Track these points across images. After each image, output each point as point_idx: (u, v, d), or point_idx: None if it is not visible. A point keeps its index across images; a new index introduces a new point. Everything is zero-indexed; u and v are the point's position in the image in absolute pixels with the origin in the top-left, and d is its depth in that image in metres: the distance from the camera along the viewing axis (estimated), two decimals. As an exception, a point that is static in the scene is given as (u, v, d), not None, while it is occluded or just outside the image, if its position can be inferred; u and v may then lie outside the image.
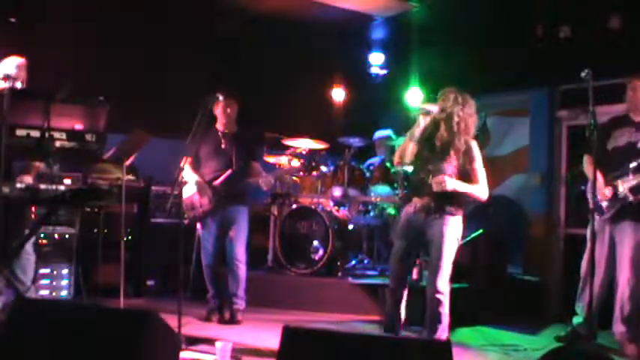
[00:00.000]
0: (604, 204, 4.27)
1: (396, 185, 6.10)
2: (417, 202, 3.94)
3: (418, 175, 3.96)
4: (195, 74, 6.19)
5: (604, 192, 4.21)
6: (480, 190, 3.88)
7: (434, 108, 3.86)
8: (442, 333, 3.87)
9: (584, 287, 4.48)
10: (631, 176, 4.18)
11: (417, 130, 3.86)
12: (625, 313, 4.26)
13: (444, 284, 3.84)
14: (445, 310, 3.87)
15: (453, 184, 3.78)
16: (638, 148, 4.27)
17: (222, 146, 4.93)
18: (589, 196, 4.40)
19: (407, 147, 3.90)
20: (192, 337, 4.17)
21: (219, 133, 4.97)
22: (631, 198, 4.16)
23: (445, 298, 3.86)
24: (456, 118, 3.84)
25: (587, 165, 4.47)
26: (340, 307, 5.48)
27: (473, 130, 3.92)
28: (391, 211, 6.07)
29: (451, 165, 3.87)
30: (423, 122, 3.85)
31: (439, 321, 3.86)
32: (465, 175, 3.89)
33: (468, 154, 3.88)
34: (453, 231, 3.85)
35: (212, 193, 4.83)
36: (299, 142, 6.15)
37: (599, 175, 4.21)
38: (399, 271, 4.04)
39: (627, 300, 4.25)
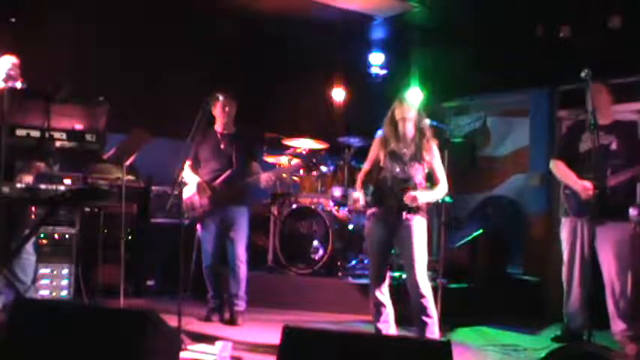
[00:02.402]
0: (583, 203, 4.30)
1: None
2: (387, 206, 4.04)
3: (389, 185, 4.04)
4: (195, 74, 6.19)
5: (587, 188, 4.20)
6: (443, 190, 4.10)
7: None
8: (433, 327, 3.92)
9: (568, 292, 4.51)
10: (610, 177, 4.24)
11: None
12: (621, 309, 4.27)
13: (422, 278, 3.93)
14: (431, 304, 3.94)
15: (423, 197, 3.97)
16: (612, 150, 4.32)
17: (222, 147, 4.93)
18: (564, 196, 4.48)
19: (369, 174, 4.16)
20: (193, 337, 4.17)
21: (218, 134, 4.97)
22: (613, 197, 4.22)
23: (427, 292, 3.93)
24: (413, 130, 4.04)
25: (557, 169, 4.53)
26: (340, 307, 5.48)
27: (429, 132, 4.10)
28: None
29: (419, 171, 4.04)
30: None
31: (427, 315, 3.91)
32: (431, 173, 4.11)
33: (429, 153, 4.07)
34: (420, 228, 3.98)
35: (212, 194, 4.83)
36: (299, 142, 6.15)
37: (574, 175, 4.34)
38: (376, 272, 4.14)
39: (620, 296, 4.27)
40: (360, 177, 4.26)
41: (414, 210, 3.96)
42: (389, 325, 4.10)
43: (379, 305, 4.10)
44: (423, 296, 3.91)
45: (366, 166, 4.27)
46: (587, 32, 5.85)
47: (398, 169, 4.02)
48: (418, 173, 4.03)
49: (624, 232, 4.33)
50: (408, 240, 3.94)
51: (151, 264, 5.95)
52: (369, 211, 4.15)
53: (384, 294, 4.11)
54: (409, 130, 4.02)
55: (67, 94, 3.77)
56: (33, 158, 3.77)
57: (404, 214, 3.95)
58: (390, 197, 4.01)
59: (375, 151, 4.19)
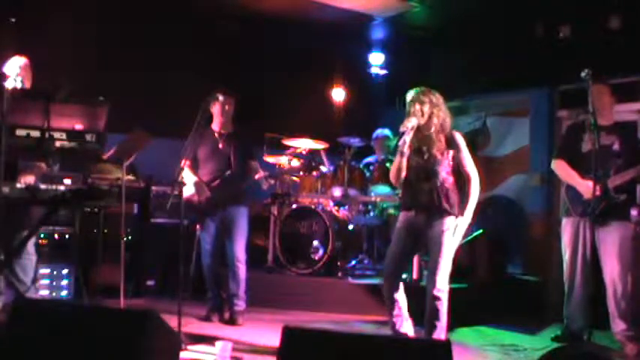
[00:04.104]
0: (586, 203, 4.30)
1: (395, 185, 6.10)
2: (417, 207, 3.97)
3: (414, 183, 3.98)
4: (195, 74, 6.20)
5: (590, 189, 4.20)
6: (475, 185, 3.95)
7: (415, 122, 3.87)
8: (441, 332, 3.88)
9: (569, 292, 4.51)
10: (613, 177, 4.25)
11: (406, 147, 3.86)
12: (622, 309, 4.27)
13: (443, 282, 3.87)
14: (444, 308, 3.88)
15: (469, 214, 3.88)
16: (614, 150, 4.32)
17: (220, 147, 4.93)
18: (566, 196, 4.48)
19: (401, 165, 3.92)
20: (193, 337, 4.17)
21: (216, 134, 4.97)
22: (616, 197, 4.23)
23: (444, 296, 3.87)
24: (435, 120, 3.91)
25: (559, 169, 4.54)
26: (340, 307, 5.48)
27: (449, 122, 3.98)
28: (391, 211, 6.07)
29: (444, 165, 3.93)
30: (408, 138, 3.85)
31: (437, 318, 3.87)
32: (459, 166, 3.97)
33: (453, 144, 3.95)
34: (452, 230, 3.89)
35: (211, 194, 4.83)
36: (299, 142, 6.15)
37: (577, 175, 4.36)
38: (392, 271, 4.04)
39: (622, 296, 4.27)
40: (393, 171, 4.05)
41: (445, 212, 3.88)
42: (403, 317, 4.02)
43: (392, 300, 4.02)
44: (439, 299, 3.85)
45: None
46: (587, 32, 5.85)
47: (420, 166, 3.93)
48: (442, 168, 3.90)
49: (626, 233, 4.33)
50: (439, 238, 3.86)
51: (151, 264, 5.95)
52: (402, 212, 4.08)
53: (398, 290, 4.01)
54: (424, 123, 3.90)
55: (67, 94, 3.77)
56: (33, 158, 3.77)
57: (436, 215, 3.88)
58: (415, 197, 3.95)
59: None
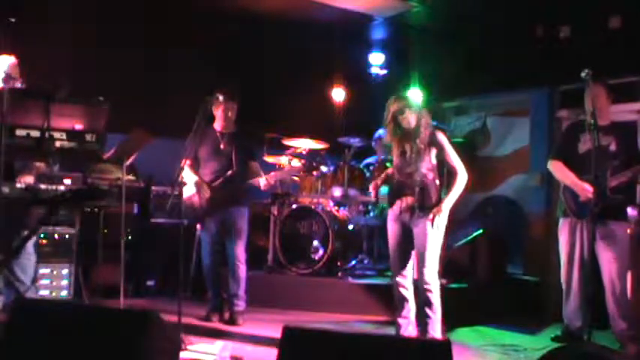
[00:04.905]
0: (583, 205, 4.30)
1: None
2: (400, 203, 4.13)
3: (398, 179, 4.15)
4: (195, 74, 6.19)
5: (586, 189, 4.20)
6: (462, 180, 4.10)
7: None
8: (435, 324, 3.98)
9: (567, 293, 4.52)
10: (610, 178, 4.24)
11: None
12: (622, 309, 4.27)
13: (431, 275, 4.01)
14: (436, 300, 4.00)
15: (448, 205, 4.02)
16: (611, 151, 4.31)
17: (221, 147, 4.93)
18: (563, 197, 4.48)
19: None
20: (193, 337, 4.17)
21: (218, 134, 4.97)
22: (613, 198, 4.23)
23: (434, 288, 4.01)
24: (407, 125, 4.07)
25: (555, 169, 4.55)
26: (340, 307, 5.48)
27: (427, 119, 4.14)
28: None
29: (425, 162, 4.07)
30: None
31: (431, 309, 3.99)
32: (442, 164, 4.14)
33: (436, 144, 4.11)
34: (436, 225, 4.02)
35: (211, 195, 4.83)
36: (299, 142, 6.15)
37: (574, 176, 4.35)
38: (398, 268, 4.19)
39: (621, 295, 4.27)
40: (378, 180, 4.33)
41: (429, 208, 4.01)
42: (409, 322, 4.14)
43: (401, 300, 4.16)
44: (430, 291, 4.00)
45: (388, 171, 4.37)
46: (587, 32, 5.85)
47: (404, 165, 4.08)
48: (423, 165, 4.05)
49: (624, 233, 4.34)
50: (423, 234, 4.00)
51: (151, 264, 5.95)
52: (390, 209, 4.23)
53: (407, 289, 4.16)
54: (408, 123, 4.05)
55: (67, 94, 3.78)
56: (33, 158, 3.77)
57: (419, 212, 4.03)
58: (399, 195, 4.11)
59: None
